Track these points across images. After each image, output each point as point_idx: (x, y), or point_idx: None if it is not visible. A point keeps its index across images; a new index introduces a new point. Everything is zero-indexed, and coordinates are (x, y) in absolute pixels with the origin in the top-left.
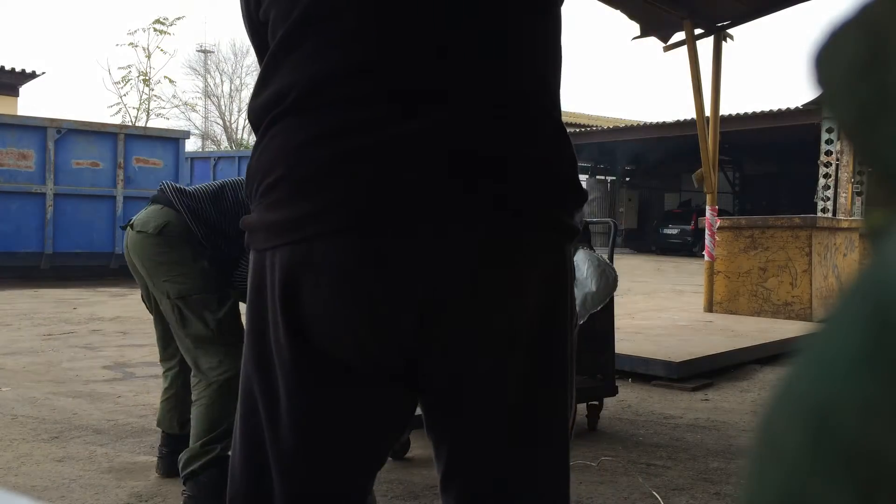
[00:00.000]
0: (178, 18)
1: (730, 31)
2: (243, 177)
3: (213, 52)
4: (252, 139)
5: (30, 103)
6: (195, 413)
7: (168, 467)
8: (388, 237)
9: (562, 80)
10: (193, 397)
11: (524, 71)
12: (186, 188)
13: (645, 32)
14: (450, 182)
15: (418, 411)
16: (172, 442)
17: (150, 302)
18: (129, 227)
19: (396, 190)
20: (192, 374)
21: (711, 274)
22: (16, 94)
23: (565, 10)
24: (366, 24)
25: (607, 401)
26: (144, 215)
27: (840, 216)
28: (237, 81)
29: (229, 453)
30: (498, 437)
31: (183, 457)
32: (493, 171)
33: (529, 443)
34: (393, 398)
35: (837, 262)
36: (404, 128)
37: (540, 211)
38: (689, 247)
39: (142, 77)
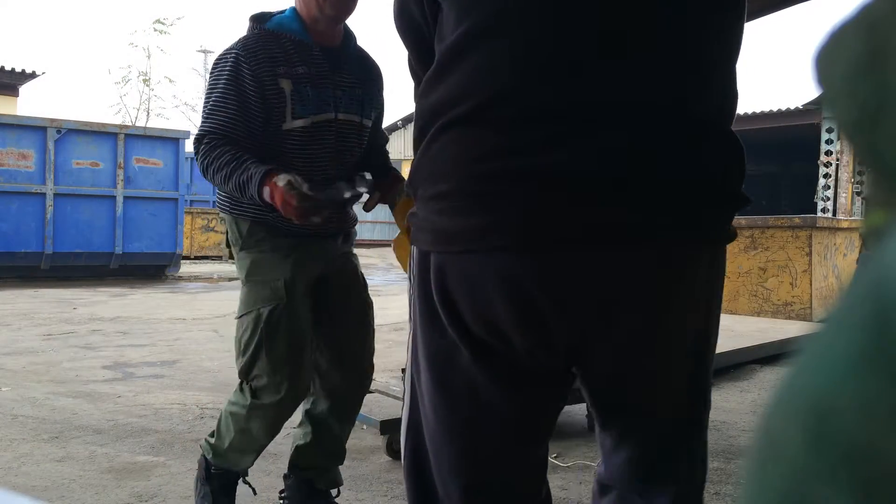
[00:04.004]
0: (178, 18)
1: None
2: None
3: (213, 53)
4: None
5: (30, 103)
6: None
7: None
8: (544, 254)
9: (735, 91)
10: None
11: (688, 87)
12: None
13: None
14: (602, 200)
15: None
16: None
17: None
18: None
19: (555, 211)
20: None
21: None
22: (16, 94)
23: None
24: (538, 43)
25: None
26: None
27: (840, 216)
28: None
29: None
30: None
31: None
32: (644, 189)
33: (678, 433)
34: (542, 396)
35: (837, 262)
36: (564, 152)
37: (690, 224)
38: None
39: (142, 77)
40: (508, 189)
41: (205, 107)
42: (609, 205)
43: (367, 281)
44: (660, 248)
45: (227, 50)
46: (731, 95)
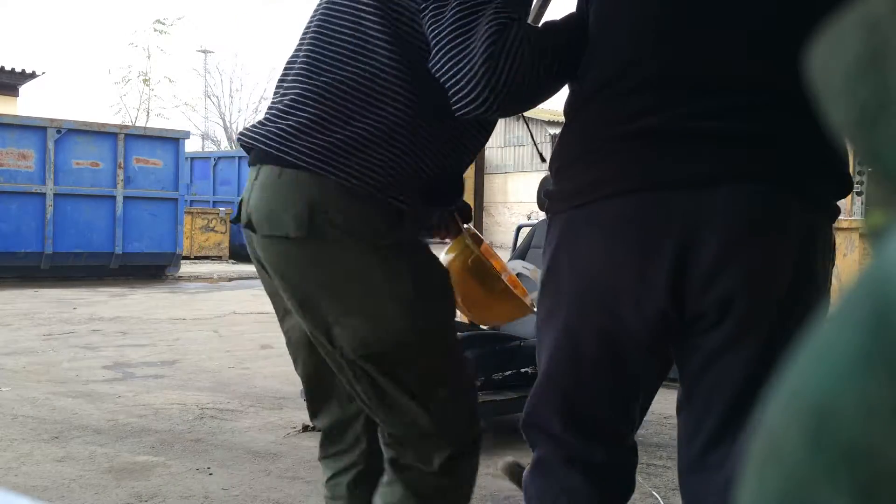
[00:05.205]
0: (178, 18)
1: None
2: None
3: (213, 53)
4: None
5: (30, 103)
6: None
7: None
8: (640, 197)
9: None
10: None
11: (779, 61)
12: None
13: None
14: (704, 153)
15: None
16: None
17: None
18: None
19: (649, 162)
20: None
21: None
22: (16, 94)
23: (568, 8)
24: (630, 34)
25: None
26: (257, 200)
27: (840, 216)
28: (237, 82)
29: None
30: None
31: None
32: (745, 144)
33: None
34: (636, 353)
35: (837, 262)
36: (657, 117)
37: (792, 184)
38: None
39: (142, 77)
40: (613, 148)
41: None
42: (693, 159)
43: None
44: (735, 192)
45: None
46: None
